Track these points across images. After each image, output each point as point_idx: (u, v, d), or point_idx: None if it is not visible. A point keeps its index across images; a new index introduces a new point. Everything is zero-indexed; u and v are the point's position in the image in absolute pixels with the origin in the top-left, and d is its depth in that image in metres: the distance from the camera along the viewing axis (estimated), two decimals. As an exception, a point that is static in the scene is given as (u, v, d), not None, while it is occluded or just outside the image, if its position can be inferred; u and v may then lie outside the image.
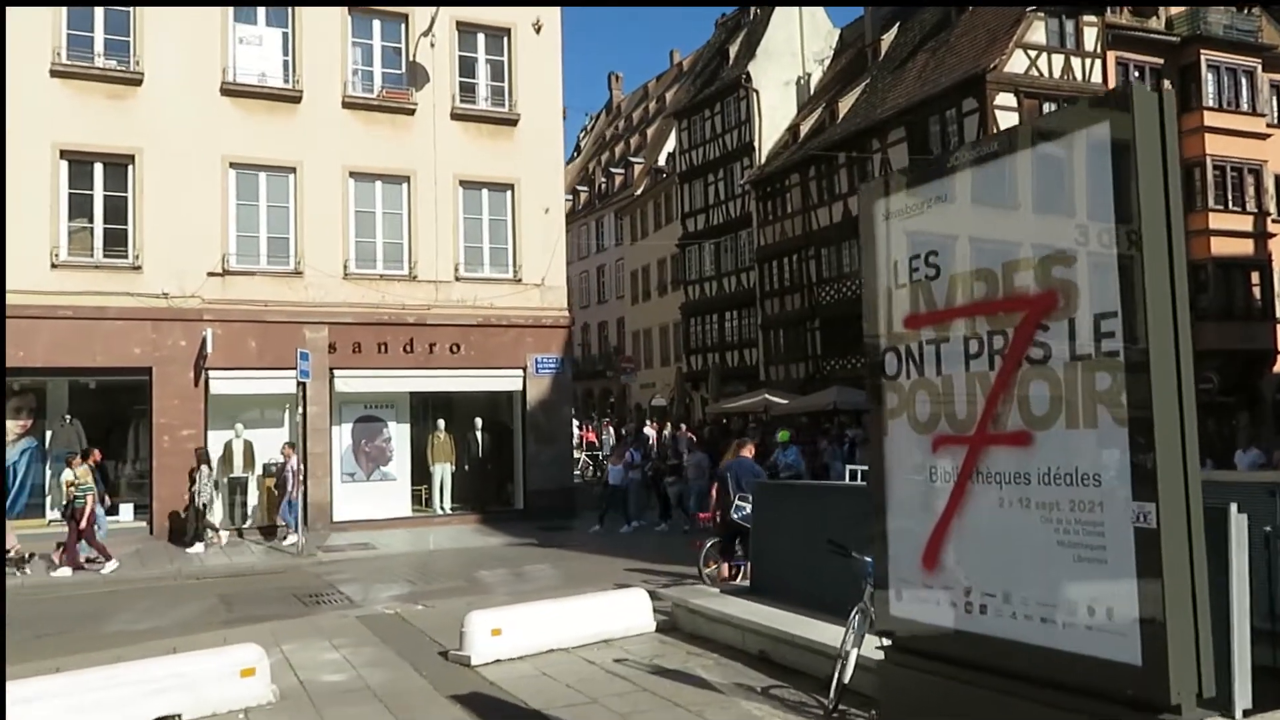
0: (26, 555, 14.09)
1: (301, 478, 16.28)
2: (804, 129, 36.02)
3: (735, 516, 10.11)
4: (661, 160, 52.08)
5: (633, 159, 58.23)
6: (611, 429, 32.36)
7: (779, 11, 39.45)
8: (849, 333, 32.09)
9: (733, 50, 41.15)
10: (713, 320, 41.31)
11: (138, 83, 17.06)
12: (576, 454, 28.66)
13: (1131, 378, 3.06)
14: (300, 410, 16.04)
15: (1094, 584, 3.17)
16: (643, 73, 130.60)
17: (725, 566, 10.78)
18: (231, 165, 17.72)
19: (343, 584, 12.82)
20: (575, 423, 36.43)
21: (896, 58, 33.28)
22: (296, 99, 18.18)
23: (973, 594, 3.62)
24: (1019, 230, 3.54)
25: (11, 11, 15.80)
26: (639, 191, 52.48)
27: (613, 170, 60.36)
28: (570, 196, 66.55)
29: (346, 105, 18.57)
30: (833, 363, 33.19)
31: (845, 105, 33.89)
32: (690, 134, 42.86)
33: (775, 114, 38.16)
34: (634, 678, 7.00)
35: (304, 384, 17.36)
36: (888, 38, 34.86)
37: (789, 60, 38.88)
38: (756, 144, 37.87)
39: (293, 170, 18.11)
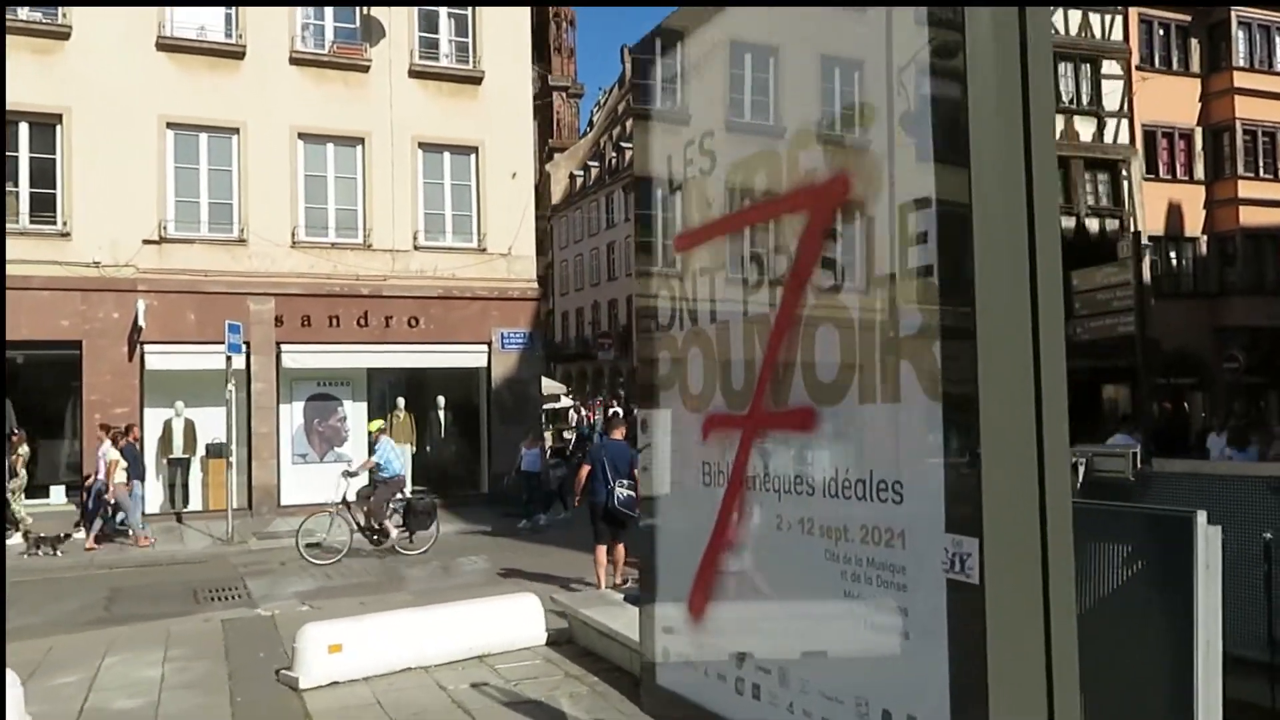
0: (59, 535, 13.69)
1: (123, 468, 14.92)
2: (811, 96, 34.39)
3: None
4: (671, 133, 50.52)
5: (643, 132, 56.66)
6: (602, 408, 31.07)
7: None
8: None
9: (739, 15, 39.50)
10: (717, 297, 39.85)
11: (65, 36, 15.88)
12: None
13: (950, 323, 1.73)
14: (230, 387, 14.86)
15: (890, 670, 1.86)
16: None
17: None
18: (169, 125, 16.54)
19: (255, 577, 11.69)
20: (571, 401, 35.33)
21: None
22: (240, 54, 16.94)
23: (746, 666, 2.31)
24: (809, 82, 2.20)
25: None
26: (647, 165, 50.94)
27: (623, 145, 58.85)
28: (582, 172, 65.37)
29: (295, 62, 17.31)
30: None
31: (853, 70, 32.23)
32: (695, 103, 41.27)
33: (782, 81, 36.55)
34: (481, 711, 5.74)
35: (245, 358, 16.43)
36: None
37: (797, 25, 37.18)
38: (762, 112, 36.26)
39: (236, 131, 16.89)
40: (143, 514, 14.67)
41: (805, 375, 2.10)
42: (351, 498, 13.19)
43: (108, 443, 14.65)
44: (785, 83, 2.26)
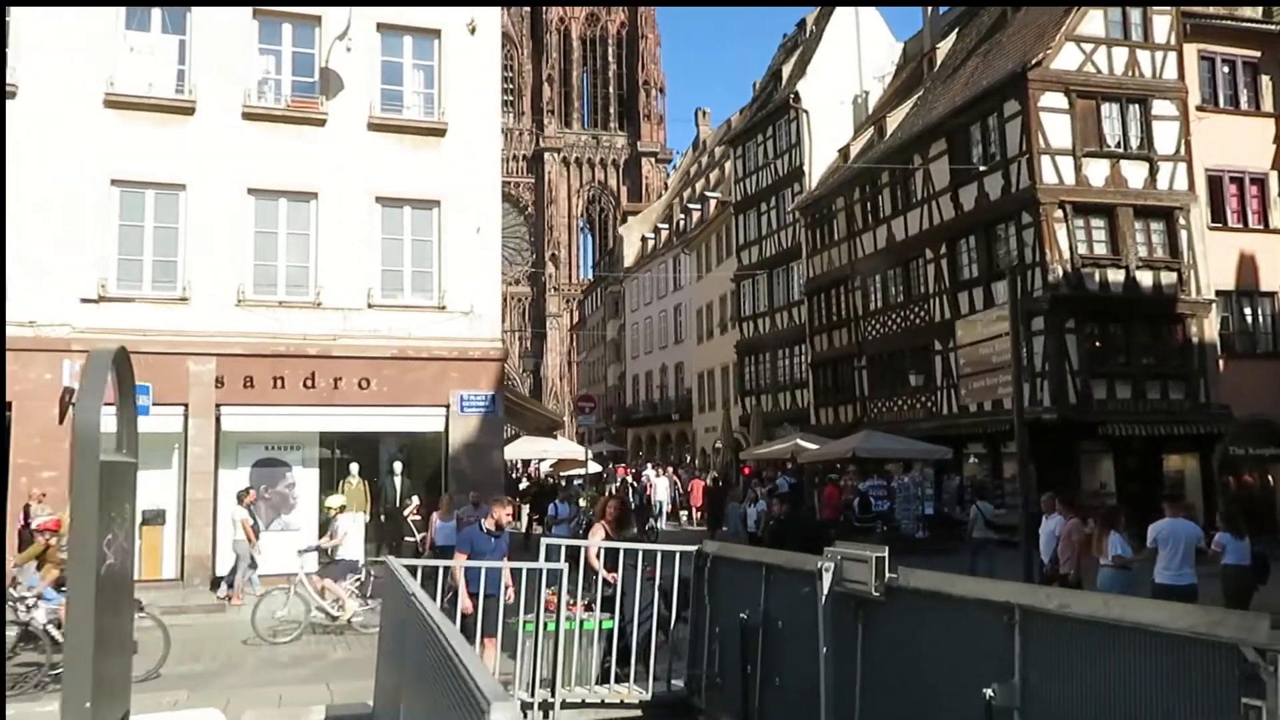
0: None
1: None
2: (855, 150, 32.84)
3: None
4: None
5: (709, 194, 55.85)
6: (626, 474, 29.65)
7: (832, 28, 36.59)
8: (893, 372, 28.63)
9: (786, 71, 38.41)
10: (765, 359, 38.19)
11: (12, 95, 15.75)
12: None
13: None
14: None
15: None
16: (730, 107, 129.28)
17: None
18: (114, 183, 16.22)
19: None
20: (600, 468, 34.00)
21: (950, 66, 29.87)
22: (189, 110, 16.59)
23: None
24: None
25: None
26: (706, 226, 49.99)
27: (690, 206, 58.16)
28: (652, 235, 64.85)
29: (247, 116, 16.86)
30: (880, 405, 29.65)
31: (894, 121, 30.63)
32: (744, 161, 40.18)
33: (829, 135, 35.06)
34: None
35: (182, 421, 15.79)
36: (944, 46, 31.48)
37: (844, 78, 35.82)
38: (806, 167, 34.86)
39: (183, 188, 16.48)
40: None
41: None
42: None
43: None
44: None
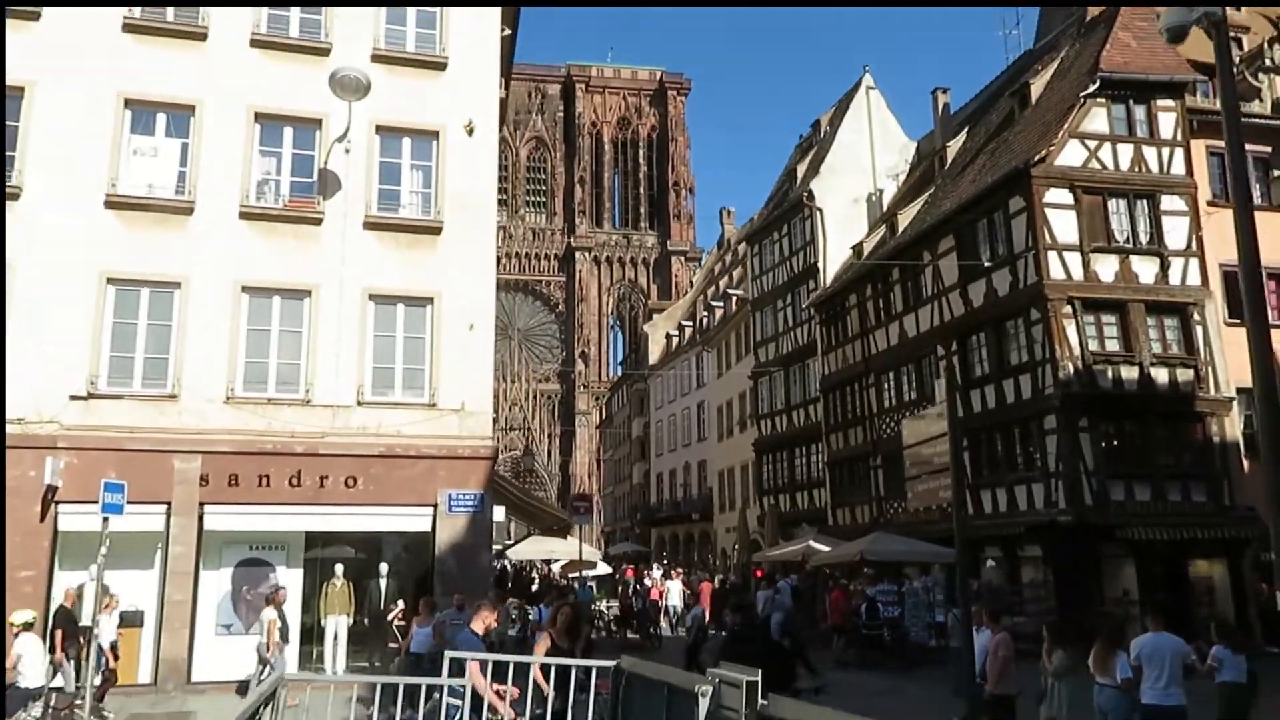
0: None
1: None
2: (868, 247, 32.82)
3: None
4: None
5: (730, 291, 56.05)
6: (635, 576, 28.86)
7: (846, 127, 37.02)
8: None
9: (801, 170, 38.80)
10: (782, 458, 37.57)
11: (16, 196, 16.14)
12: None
13: None
14: (102, 550, 13.73)
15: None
16: (756, 205, 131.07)
17: None
18: (110, 281, 16.41)
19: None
20: (608, 568, 33.20)
21: (960, 164, 29.96)
22: (188, 210, 16.86)
23: None
24: None
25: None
26: (727, 324, 49.99)
27: (713, 304, 58.34)
28: (676, 332, 65.01)
29: (244, 216, 17.10)
30: (896, 505, 28.85)
31: (906, 218, 30.63)
32: (761, 259, 40.32)
33: (843, 233, 35.16)
34: None
35: (164, 519, 15.59)
36: (955, 144, 31.63)
37: (858, 176, 36.08)
38: (821, 264, 34.86)
39: (178, 286, 16.64)
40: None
41: None
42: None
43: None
44: None
